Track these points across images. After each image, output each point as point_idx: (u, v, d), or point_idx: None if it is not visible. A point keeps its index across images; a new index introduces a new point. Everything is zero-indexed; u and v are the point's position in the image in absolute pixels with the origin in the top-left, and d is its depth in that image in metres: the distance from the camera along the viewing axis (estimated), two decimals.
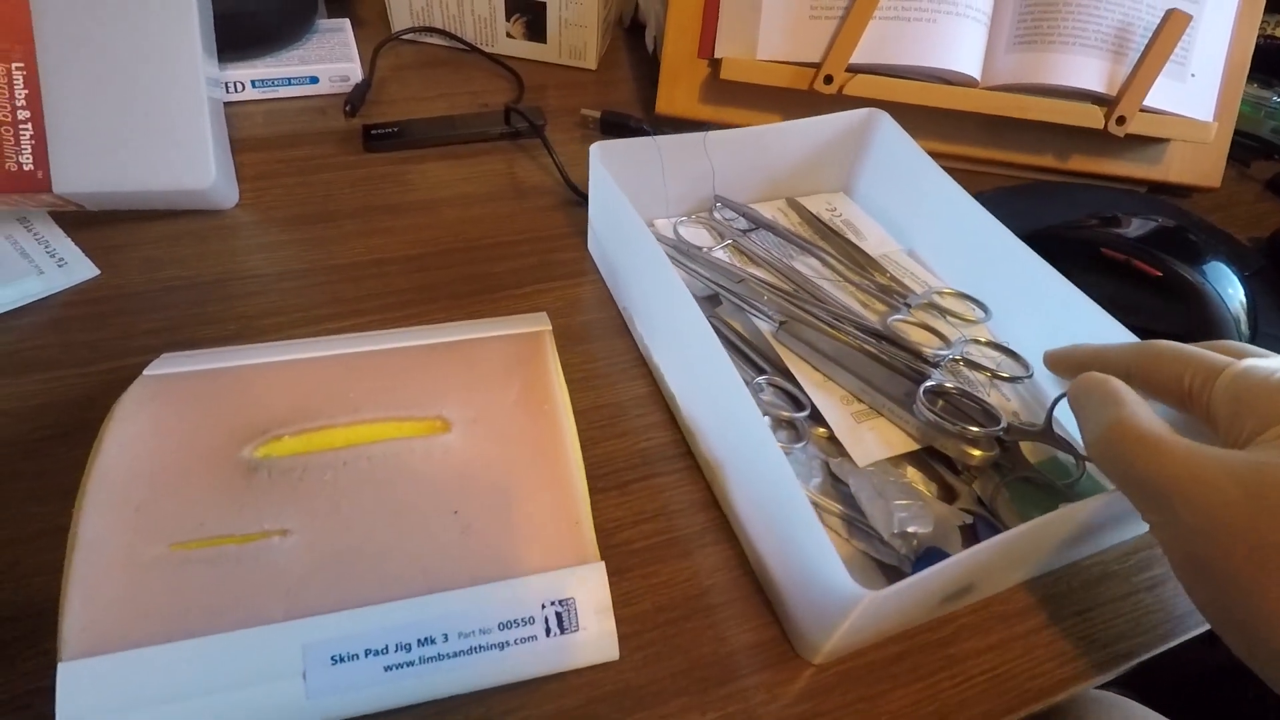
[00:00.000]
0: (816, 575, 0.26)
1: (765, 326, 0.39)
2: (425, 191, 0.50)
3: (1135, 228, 0.43)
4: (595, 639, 0.28)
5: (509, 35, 0.63)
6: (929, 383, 0.35)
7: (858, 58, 0.51)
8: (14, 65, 0.37)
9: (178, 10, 0.39)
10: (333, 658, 0.26)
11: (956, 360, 0.38)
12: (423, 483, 0.29)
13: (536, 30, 0.63)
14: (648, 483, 0.35)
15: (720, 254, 0.44)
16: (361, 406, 0.31)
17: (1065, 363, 0.33)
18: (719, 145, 0.44)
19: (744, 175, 0.47)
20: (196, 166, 0.41)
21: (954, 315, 0.41)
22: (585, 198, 0.49)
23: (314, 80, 0.56)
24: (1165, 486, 0.23)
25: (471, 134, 0.54)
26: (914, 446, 0.35)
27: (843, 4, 0.51)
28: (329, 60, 0.57)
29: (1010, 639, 0.31)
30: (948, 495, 0.34)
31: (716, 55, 0.53)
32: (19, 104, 0.37)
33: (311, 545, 0.27)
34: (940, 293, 0.42)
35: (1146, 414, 0.26)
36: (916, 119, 0.48)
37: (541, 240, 0.48)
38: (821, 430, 0.36)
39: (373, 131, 0.52)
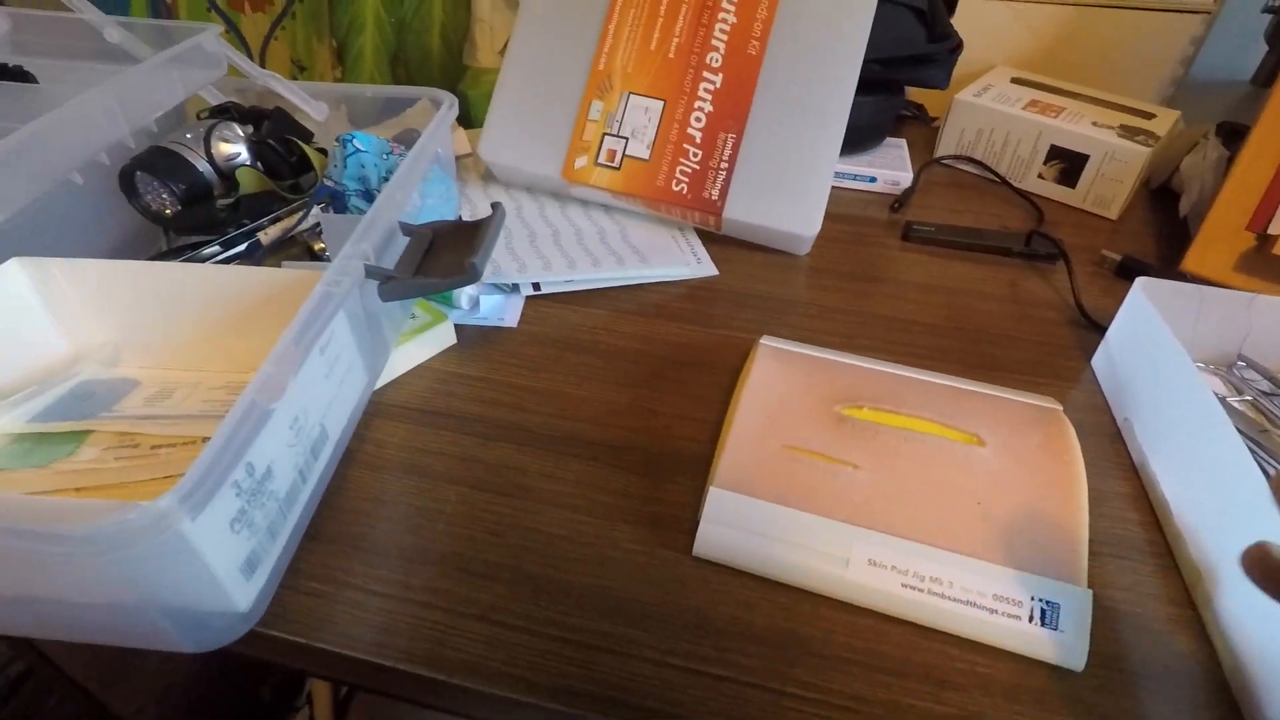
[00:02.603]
0: None
1: None
2: (948, 280, 0.60)
3: None
4: (1068, 646, 0.34)
5: (1040, 176, 0.72)
6: None
7: None
8: (729, 135, 0.57)
9: (838, 111, 0.56)
10: (869, 560, 0.36)
11: None
12: (957, 472, 0.38)
13: (1069, 177, 0.70)
14: (1116, 561, 0.40)
15: (1236, 404, 0.47)
16: (919, 408, 0.41)
17: None
18: (1264, 310, 0.47)
19: (1275, 342, 0.49)
20: (810, 218, 0.57)
21: None
22: (1093, 321, 0.55)
23: (872, 180, 0.71)
24: None
25: (993, 246, 0.64)
26: None
27: None
28: (887, 168, 0.72)
29: None
30: None
31: (1270, 232, 0.56)
32: (723, 160, 0.57)
33: (873, 482, 0.38)
34: None
35: None
36: None
37: (1041, 344, 0.55)
38: None
39: (914, 226, 0.65)
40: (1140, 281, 0.47)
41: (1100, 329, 0.54)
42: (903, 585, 0.35)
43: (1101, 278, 0.62)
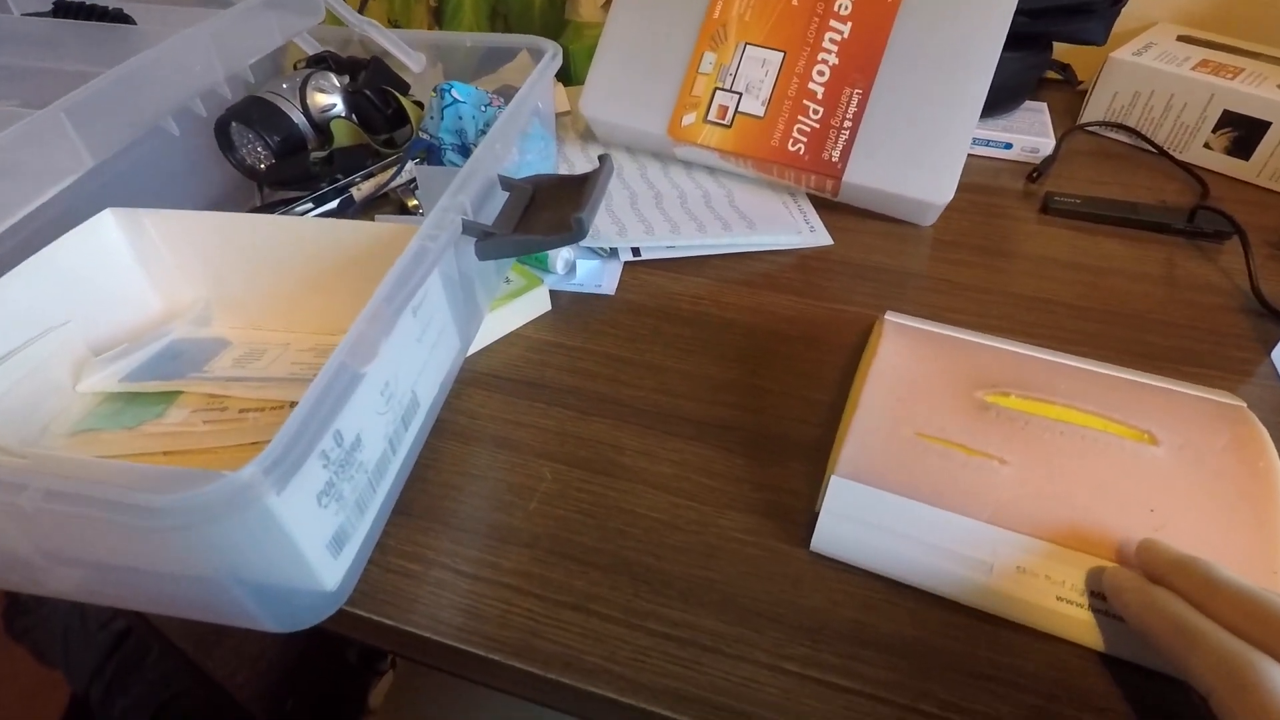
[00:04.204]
0: None
1: None
2: (1095, 258, 0.54)
3: None
4: None
5: (1207, 146, 0.63)
6: None
7: None
8: (855, 90, 0.51)
9: (982, 66, 0.50)
10: (1018, 567, 0.31)
11: None
12: (1124, 474, 0.33)
13: (1242, 147, 0.62)
14: None
15: None
16: (1075, 397, 0.36)
17: None
18: None
19: None
20: (942, 185, 0.51)
21: None
22: (1272, 309, 0.48)
23: (1008, 146, 0.64)
24: None
25: (1150, 222, 0.56)
26: None
27: None
28: (1025, 133, 0.64)
29: None
30: None
31: None
32: (846, 117, 0.52)
33: (1022, 479, 0.33)
34: None
35: None
36: None
37: (1209, 332, 0.48)
38: None
39: (1055, 198, 0.58)
40: None
41: None
42: (1057, 599, 0.31)
43: (1276, 261, 0.54)
